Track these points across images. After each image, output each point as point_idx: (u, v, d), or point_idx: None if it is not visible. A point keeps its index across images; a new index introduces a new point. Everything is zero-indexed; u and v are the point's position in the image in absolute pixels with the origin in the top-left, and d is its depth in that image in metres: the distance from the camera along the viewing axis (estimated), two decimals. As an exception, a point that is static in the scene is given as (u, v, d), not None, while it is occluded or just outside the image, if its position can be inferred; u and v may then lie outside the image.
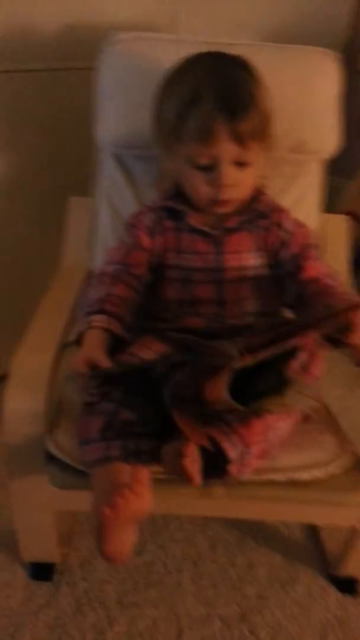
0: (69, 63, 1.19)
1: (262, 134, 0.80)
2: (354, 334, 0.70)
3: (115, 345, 0.81)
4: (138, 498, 0.64)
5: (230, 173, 0.80)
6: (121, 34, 0.99)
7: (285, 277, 0.88)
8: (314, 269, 0.86)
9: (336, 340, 0.73)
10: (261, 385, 0.69)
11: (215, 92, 0.76)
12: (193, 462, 0.67)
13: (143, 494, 0.65)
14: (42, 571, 0.97)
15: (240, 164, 0.80)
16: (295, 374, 0.71)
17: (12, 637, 0.88)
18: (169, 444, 0.70)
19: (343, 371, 1.49)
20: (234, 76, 0.79)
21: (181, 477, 0.67)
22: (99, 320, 0.81)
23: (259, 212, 0.89)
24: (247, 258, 0.88)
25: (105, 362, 0.76)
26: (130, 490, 0.64)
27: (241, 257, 0.88)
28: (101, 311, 0.82)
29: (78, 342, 0.81)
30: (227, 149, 0.78)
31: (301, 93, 0.99)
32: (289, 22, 1.60)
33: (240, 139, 0.77)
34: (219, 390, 0.64)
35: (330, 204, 1.54)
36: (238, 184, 0.82)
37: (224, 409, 0.68)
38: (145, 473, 0.66)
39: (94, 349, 0.77)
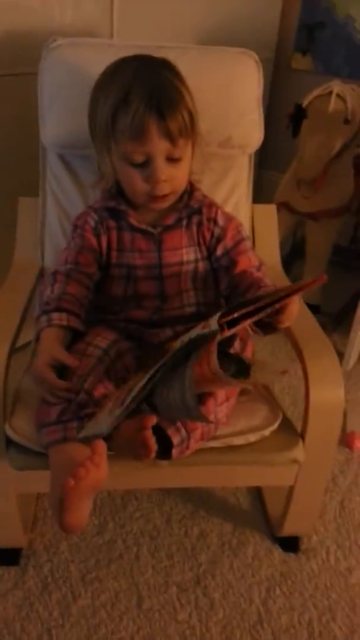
0: (14, 69, 1.22)
1: (189, 130, 0.85)
2: (285, 317, 0.76)
3: (72, 338, 0.85)
4: (97, 468, 0.69)
5: (164, 168, 0.84)
6: (59, 40, 1.04)
7: (220, 270, 0.95)
8: (245, 262, 0.93)
9: (266, 325, 0.80)
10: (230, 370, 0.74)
11: (145, 92, 0.81)
12: (151, 435, 0.73)
13: (101, 464, 0.69)
14: (8, 556, 1.01)
15: (173, 159, 0.85)
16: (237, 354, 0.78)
17: (-19, 618, 0.93)
18: (129, 419, 0.74)
19: (286, 353, 1.59)
20: (161, 77, 0.84)
21: (140, 448, 0.72)
22: (57, 318, 0.84)
23: (193, 209, 0.94)
24: (185, 253, 0.94)
25: (67, 358, 0.80)
26: (90, 461, 0.68)
27: (179, 253, 0.94)
28: (58, 309, 0.85)
29: (38, 339, 0.84)
30: (159, 146, 0.82)
31: (224, 91, 1.06)
32: (223, 25, 1.67)
33: (170, 136, 0.82)
34: (213, 364, 0.66)
35: (267, 196, 1.63)
36: (172, 179, 0.87)
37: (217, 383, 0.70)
38: (102, 445, 0.71)
39: (54, 348, 0.81)
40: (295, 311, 0.80)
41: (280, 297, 0.70)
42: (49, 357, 0.80)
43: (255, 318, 0.70)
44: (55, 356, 0.80)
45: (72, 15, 1.29)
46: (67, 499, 0.68)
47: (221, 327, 0.67)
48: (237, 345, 0.82)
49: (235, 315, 0.68)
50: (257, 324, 0.85)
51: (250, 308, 0.68)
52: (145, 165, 0.85)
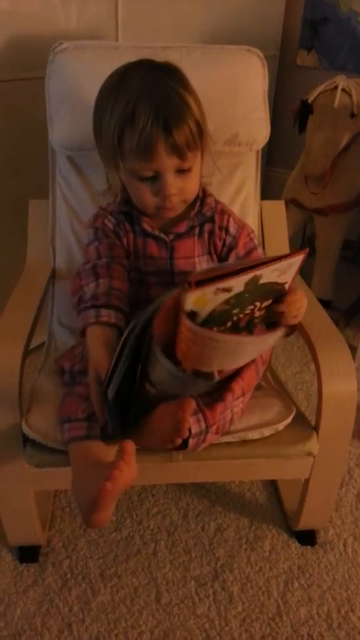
0: (21, 74, 1.24)
1: (197, 141, 0.82)
2: (294, 308, 0.76)
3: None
4: (130, 468, 0.68)
5: (173, 182, 0.82)
6: (66, 43, 1.05)
7: None
8: None
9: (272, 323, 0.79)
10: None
11: (150, 109, 0.78)
12: (188, 419, 0.71)
13: (132, 463, 0.68)
14: (28, 554, 1.03)
15: (182, 171, 0.83)
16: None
17: (4, 615, 0.94)
18: (166, 404, 0.73)
19: (298, 348, 1.59)
20: (164, 88, 0.80)
21: (174, 433, 0.70)
22: (105, 314, 0.81)
23: (205, 217, 0.93)
24: (197, 262, 0.93)
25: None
26: (123, 462, 0.67)
27: (192, 262, 0.93)
28: (107, 305, 0.82)
29: (83, 333, 0.83)
30: (167, 162, 0.80)
31: (230, 89, 1.06)
32: (227, 24, 1.68)
33: (178, 151, 0.80)
34: (183, 319, 0.65)
35: (275, 193, 1.64)
36: (182, 190, 0.85)
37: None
38: (131, 445, 0.69)
39: (100, 358, 0.78)
40: (304, 307, 0.79)
41: (257, 264, 0.68)
42: (94, 375, 0.78)
43: (233, 283, 0.66)
44: (99, 370, 0.78)
45: (77, 19, 1.31)
46: (103, 500, 0.67)
47: (189, 285, 0.64)
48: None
49: (207, 277, 0.65)
50: (268, 324, 0.86)
51: (224, 271, 0.65)
52: (155, 179, 0.83)
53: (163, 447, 0.75)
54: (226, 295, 0.69)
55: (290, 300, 0.75)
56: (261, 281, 0.72)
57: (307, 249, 0.72)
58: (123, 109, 0.79)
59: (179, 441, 0.71)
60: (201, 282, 0.64)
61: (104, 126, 0.83)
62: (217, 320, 0.72)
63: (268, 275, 0.72)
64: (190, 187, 0.86)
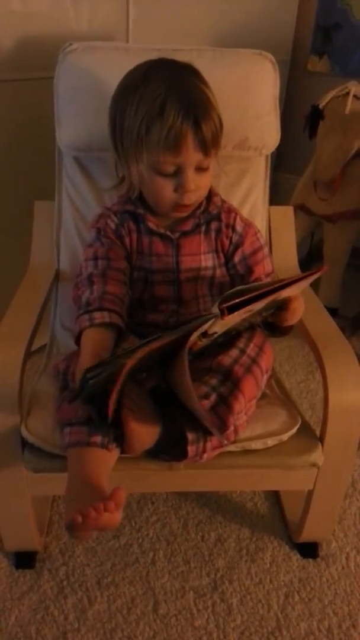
0: (30, 74, 1.23)
1: (220, 137, 0.85)
2: (289, 314, 0.79)
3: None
4: (110, 514, 0.66)
5: (193, 178, 0.84)
6: (75, 44, 1.05)
7: (236, 277, 0.95)
8: (260, 271, 0.93)
9: (273, 327, 0.83)
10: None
11: (181, 103, 0.80)
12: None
13: (115, 512, 0.66)
14: (24, 560, 1.01)
15: (201, 169, 0.85)
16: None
17: (-2, 621, 0.92)
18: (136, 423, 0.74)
19: (303, 356, 1.58)
20: (191, 84, 0.83)
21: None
22: (99, 316, 0.82)
23: (211, 215, 0.94)
24: (204, 260, 0.94)
25: None
26: (104, 506, 0.65)
27: (198, 259, 0.93)
28: (100, 308, 0.83)
29: (77, 341, 0.83)
30: (192, 157, 0.82)
31: (241, 93, 1.05)
32: (239, 28, 1.67)
33: (204, 146, 0.82)
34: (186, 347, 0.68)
35: (284, 199, 1.62)
36: (199, 188, 0.87)
37: None
38: (121, 494, 0.67)
39: (88, 355, 0.78)
40: (300, 309, 0.82)
41: (282, 285, 0.71)
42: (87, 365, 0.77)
43: (257, 306, 0.70)
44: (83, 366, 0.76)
45: (88, 20, 1.30)
46: (74, 530, 0.66)
47: (222, 312, 0.67)
48: (252, 351, 0.82)
49: (237, 301, 0.68)
50: (265, 325, 0.86)
51: (252, 294, 0.68)
52: (175, 175, 0.84)
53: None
54: (247, 315, 0.74)
55: (293, 308, 0.78)
56: (279, 298, 0.74)
57: (326, 267, 0.74)
58: (151, 103, 0.81)
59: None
60: (232, 308, 0.68)
61: (127, 119, 0.84)
62: (226, 331, 0.76)
63: (287, 292, 0.74)
64: (205, 185, 0.89)
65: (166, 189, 0.86)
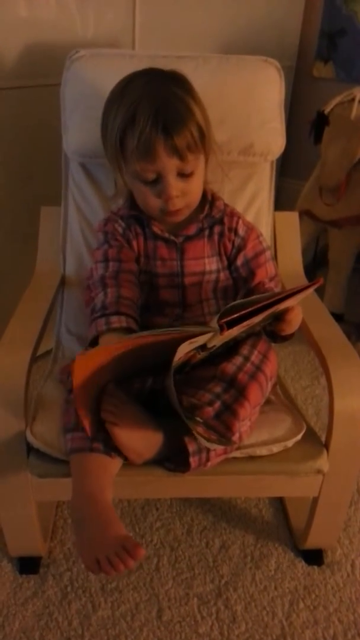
0: (37, 81, 1.24)
1: (198, 145, 0.83)
2: (286, 324, 0.80)
3: None
4: (123, 565, 0.66)
5: (175, 184, 0.84)
6: (82, 51, 1.05)
7: (239, 280, 0.95)
8: (262, 274, 0.94)
9: (270, 334, 0.84)
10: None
11: (150, 110, 0.79)
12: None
13: (128, 563, 0.67)
14: (28, 565, 1.01)
15: (184, 174, 0.84)
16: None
17: (2, 627, 0.92)
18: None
19: (308, 362, 1.57)
20: (168, 92, 0.82)
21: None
22: (116, 320, 0.83)
23: (214, 219, 0.94)
24: (207, 263, 0.94)
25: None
26: (125, 566, 0.66)
27: (202, 262, 0.94)
28: (117, 313, 0.84)
29: (92, 344, 0.84)
30: (168, 163, 0.82)
31: (246, 98, 1.05)
32: (244, 34, 1.68)
33: (178, 153, 0.81)
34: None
35: (289, 205, 1.62)
36: (185, 194, 0.86)
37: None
38: (141, 553, 0.67)
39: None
40: (298, 319, 0.82)
41: (279, 299, 0.71)
42: None
43: (256, 319, 0.70)
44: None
45: (94, 27, 1.31)
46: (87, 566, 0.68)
47: (221, 328, 0.68)
48: (255, 358, 0.82)
49: (235, 316, 0.68)
50: (265, 332, 0.87)
51: (250, 309, 0.69)
52: (157, 182, 0.84)
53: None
54: (246, 328, 0.74)
55: (289, 319, 0.79)
56: (278, 310, 0.75)
57: (322, 280, 0.75)
58: (125, 111, 0.81)
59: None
60: (231, 323, 0.68)
61: (109, 129, 0.85)
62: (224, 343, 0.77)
63: (285, 304, 0.74)
64: (192, 190, 0.88)
65: (150, 197, 0.86)
